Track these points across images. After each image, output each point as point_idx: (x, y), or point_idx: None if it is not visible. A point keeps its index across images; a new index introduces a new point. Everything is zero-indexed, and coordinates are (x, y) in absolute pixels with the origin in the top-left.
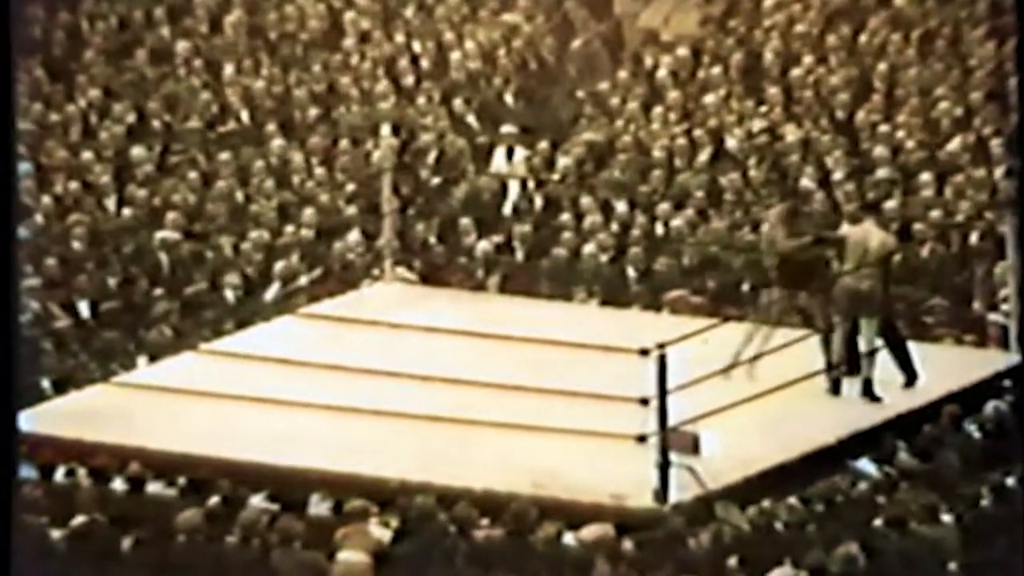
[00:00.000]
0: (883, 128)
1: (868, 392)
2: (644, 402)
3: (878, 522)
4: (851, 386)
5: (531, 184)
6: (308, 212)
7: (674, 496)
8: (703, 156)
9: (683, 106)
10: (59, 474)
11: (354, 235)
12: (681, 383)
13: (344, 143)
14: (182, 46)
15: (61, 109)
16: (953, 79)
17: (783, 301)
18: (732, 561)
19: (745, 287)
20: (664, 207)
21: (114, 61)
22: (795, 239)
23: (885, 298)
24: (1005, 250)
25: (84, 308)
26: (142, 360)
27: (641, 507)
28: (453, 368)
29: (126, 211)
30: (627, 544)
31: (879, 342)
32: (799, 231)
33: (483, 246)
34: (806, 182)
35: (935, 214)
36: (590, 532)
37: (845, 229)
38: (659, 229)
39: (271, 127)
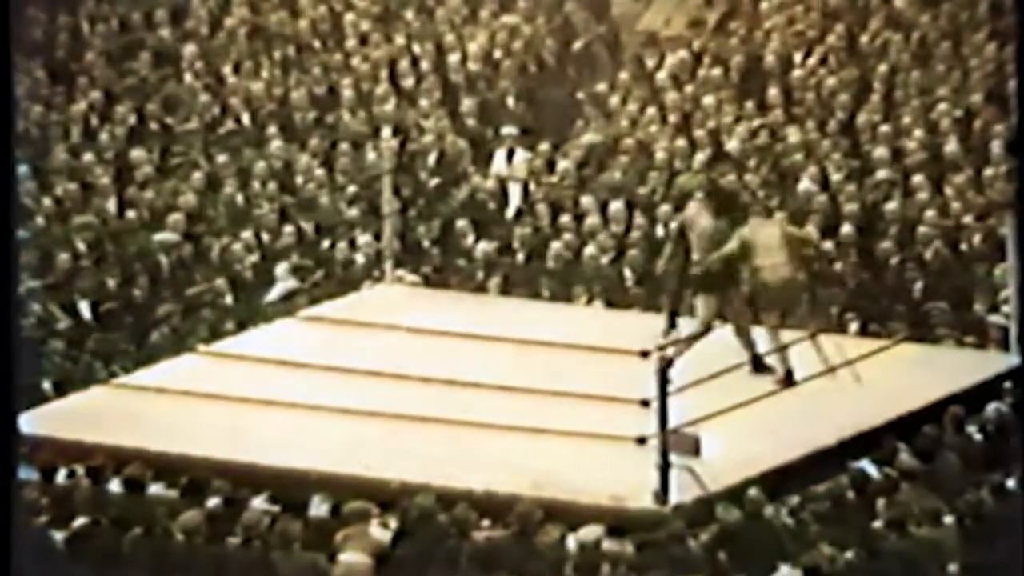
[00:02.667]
0: (883, 129)
1: (790, 380)
2: (645, 404)
3: (878, 523)
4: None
5: (532, 186)
6: (308, 214)
7: (674, 497)
8: (703, 157)
9: (683, 108)
10: (60, 476)
11: (355, 237)
12: (681, 385)
13: (344, 145)
14: (183, 48)
15: (62, 111)
16: (953, 81)
17: (711, 306)
18: (732, 562)
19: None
20: (665, 208)
21: (115, 63)
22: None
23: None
24: (1005, 252)
25: (85, 309)
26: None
27: (641, 509)
28: (453, 370)
29: (127, 213)
30: (624, 546)
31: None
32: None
33: (483, 248)
34: (806, 183)
35: (935, 215)
36: (583, 534)
37: (747, 228)
38: (659, 231)
39: (271, 129)
